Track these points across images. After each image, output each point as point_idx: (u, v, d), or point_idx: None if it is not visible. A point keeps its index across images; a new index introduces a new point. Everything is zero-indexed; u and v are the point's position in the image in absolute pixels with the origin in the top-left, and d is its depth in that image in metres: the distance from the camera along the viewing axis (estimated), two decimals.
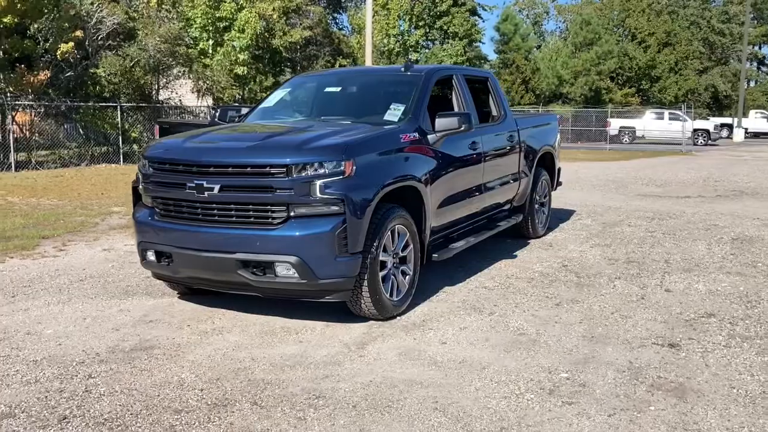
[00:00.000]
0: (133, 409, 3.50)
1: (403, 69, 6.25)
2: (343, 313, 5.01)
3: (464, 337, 4.65)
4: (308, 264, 4.51)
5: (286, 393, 3.72)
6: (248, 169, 4.62)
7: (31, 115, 21.83)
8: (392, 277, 5.11)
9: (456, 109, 6.45)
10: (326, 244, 4.51)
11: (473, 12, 37.10)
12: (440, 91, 6.70)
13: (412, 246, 5.29)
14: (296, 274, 4.54)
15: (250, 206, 4.63)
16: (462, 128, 5.60)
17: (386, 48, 32.19)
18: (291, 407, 3.54)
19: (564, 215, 10.06)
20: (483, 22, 57.59)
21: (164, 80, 24.18)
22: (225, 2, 25.16)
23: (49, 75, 20.35)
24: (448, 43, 34.65)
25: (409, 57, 33.73)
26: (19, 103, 20.15)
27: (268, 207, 4.58)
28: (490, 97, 7.32)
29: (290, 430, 3.30)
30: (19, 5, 19.01)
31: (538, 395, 3.69)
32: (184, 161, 4.85)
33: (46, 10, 20.69)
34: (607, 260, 7.04)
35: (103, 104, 21.72)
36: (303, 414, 3.46)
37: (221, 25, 25.34)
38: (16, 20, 19.07)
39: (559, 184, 9.25)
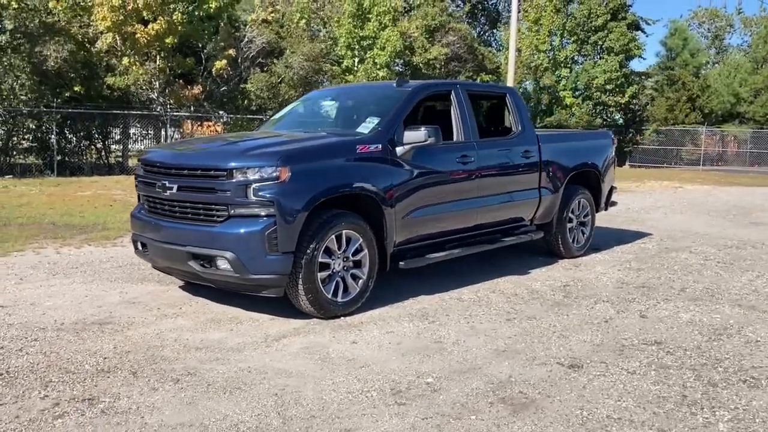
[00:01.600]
0: (36, 366, 4.18)
1: (395, 85, 6.52)
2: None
3: (379, 340, 4.85)
4: (241, 260, 4.97)
5: (168, 368, 4.20)
6: (198, 171, 5.21)
7: (191, 125, 24.36)
8: (339, 279, 5.41)
9: (454, 124, 6.58)
10: (257, 243, 4.94)
11: (634, 26, 35.38)
12: (438, 105, 6.86)
13: (366, 252, 5.55)
14: (231, 269, 5.02)
15: (200, 205, 5.20)
16: (428, 141, 5.76)
17: (534, 64, 31.75)
18: (158, 379, 4.01)
19: (630, 237, 9.63)
20: (646, 36, 54.36)
21: None
22: (369, 22, 26.39)
23: (202, 89, 22.65)
24: (602, 58, 33.38)
25: (559, 74, 33.01)
26: (178, 114, 22.65)
27: (213, 206, 5.12)
28: (506, 113, 7.32)
29: (138, 397, 3.77)
30: (179, 27, 21.37)
31: (380, 394, 3.85)
32: (158, 163, 5.55)
33: (206, 32, 22.99)
34: (618, 284, 6.75)
35: (251, 116, 23.73)
36: (160, 386, 3.92)
37: (365, 44, 26.59)
38: (175, 41, 21.44)
39: (611, 204, 8.90)
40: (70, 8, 20.89)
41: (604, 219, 11.81)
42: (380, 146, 5.69)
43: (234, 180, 5.00)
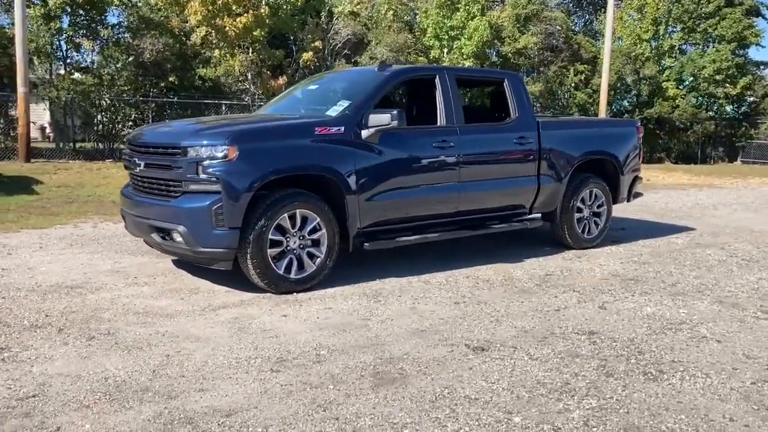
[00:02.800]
0: None
1: (377, 69, 6.59)
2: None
3: (311, 315, 4.99)
4: (191, 233, 5.28)
5: (93, 328, 4.56)
6: (160, 149, 5.57)
7: None
8: (293, 257, 5.59)
9: (438, 109, 6.57)
10: (205, 217, 5.23)
11: (753, 12, 32.87)
12: (423, 90, 6.85)
13: (324, 231, 5.70)
14: (183, 241, 5.34)
15: (161, 181, 5.56)
16: (392, 124, 5.80)
17: (634, 53, 30.28)
18: (76, 336, 4.38)
19: (667, 231, 9.21)
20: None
21: None
22: (458, 11, 26.21)
23: (287, 80, 23.43)
24: (713, 47, 31.29)
25: (663, 63, 31.32)
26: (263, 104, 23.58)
27: (170, 182, 5.46)
28: (505, 99, 7.18)
29: (45, 350, 4.14)
30: (267, 20, 22.21)
31: (264, 361, 4.02)
32: (134, 142, 5.97)
33: (295, 25, 23.75)
34: (607, 275, 6.51)
35: None
36: (72, 342, 4.28)
37: (452, 34, 26.44)
38: (263, 33, 22.29)
39: (636, 195, 8.51)
40: (169, 3, 22.22)
41: (653, 212, 11.31)
42: (342, 128, 5.80)
43: (187, 157, 5.31)
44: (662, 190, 16.75)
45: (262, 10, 22.05)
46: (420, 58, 26.13)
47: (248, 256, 5.36)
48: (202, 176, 5.25)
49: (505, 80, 7.26)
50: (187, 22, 22.84)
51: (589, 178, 7.77)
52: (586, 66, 29.00)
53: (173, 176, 5.42)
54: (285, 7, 23.12)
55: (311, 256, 5.70)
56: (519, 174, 7.10)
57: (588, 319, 5.07)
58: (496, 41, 26.77)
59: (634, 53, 30.21)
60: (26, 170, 15.54)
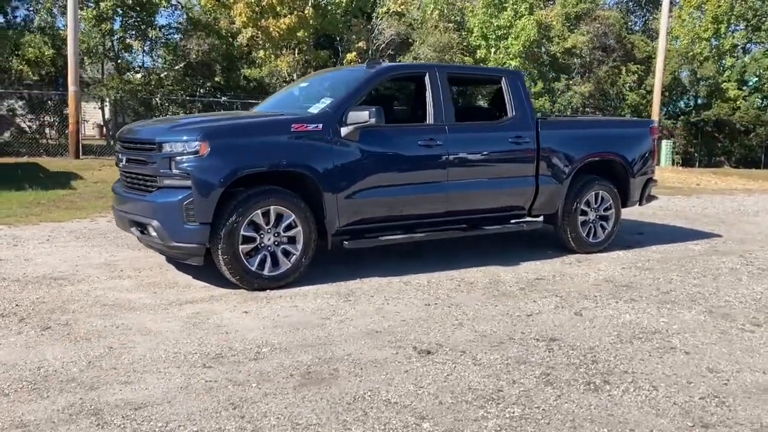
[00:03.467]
0: None
1: (366, 67, 6.53)
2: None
3: (272, 313, 4.97)
4: (164, 228, 5.35)
5: (54, 318, 4.67)
6: (138, 145, 5.66)
7: None
8: (267, 253, 5.59)
9: (429, 107, 6.47)
10: (176, 212, 5.29)
11: None
12: (414, 88, 6.76)
13: (300, 229, 5.68)
14: (157, 236, 5.41)
15: (140, 176, 5.65)
16: (371, 122, 5.73)
17: (691, 53, 29.18)
18: (33, 326, 4.49)
19: (687, 237, 8.88)
20: None
21: None
22: (506, 10, 25.85)
23: None
24: None
25: (723, 62, 30.07)
26: None
27: (147, 177, 5.55)
28: (503, 97, 7.01)
29: (10, 336, 4.26)
30: (311, 21, 22.44)
31: (200, 356, 4.02)
32: (120, 138, 6.10)
33: (340, 25, 23.92)
34: (600, 281, 6.28)
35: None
36: (26, 331, 4.39)
37: (499, 33, 26.09)
38: (307, 34, 22.54)
39: (650, 198, 8.18)
40: (216, 6, 22.72)
41: (686, 217, 10.88)
42: (321, 125, 5.77)
43: (161, 153, 5.38)
44: (708, 194, 16.12)
45: (307, 11, 22.28)
46: (466, 58, 25.89)
47: (219, 251, 5.39)
48: (175, 171, 5.31)
49: (503, 78, 7.09)
50: (234, 23, 23.30)
51: (595, 180, 7.50)
52: (639, 66, 28.15)
53: (149, 171, 5.51)
54: (331, 8, 23.28)
55: (287, 253, 5.69)
56: (514, 174, 6.91)
57: (557, 325, 4.89)
58: (544, 40, 26.23)
59: (691, 53, 29.11)
60: (72, 166, 16.14)
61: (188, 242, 5.35)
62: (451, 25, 25.66)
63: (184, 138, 5.34)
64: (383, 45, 24.68)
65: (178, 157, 5.30)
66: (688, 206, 13.04)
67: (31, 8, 21.87)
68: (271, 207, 5.55)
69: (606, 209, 7.64)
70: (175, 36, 23.10)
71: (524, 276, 6.40)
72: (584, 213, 7.46)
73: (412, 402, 3.47)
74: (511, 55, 25.41)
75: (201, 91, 22.35)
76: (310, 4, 22.63)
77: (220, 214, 5.36)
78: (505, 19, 25.77)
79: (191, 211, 5.25)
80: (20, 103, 21.19)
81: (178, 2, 22.75)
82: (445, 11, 26.00)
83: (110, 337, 4.32)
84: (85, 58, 21.27)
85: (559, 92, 27.04)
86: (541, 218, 7.38)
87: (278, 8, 22.12)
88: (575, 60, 27.73)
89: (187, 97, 22.16)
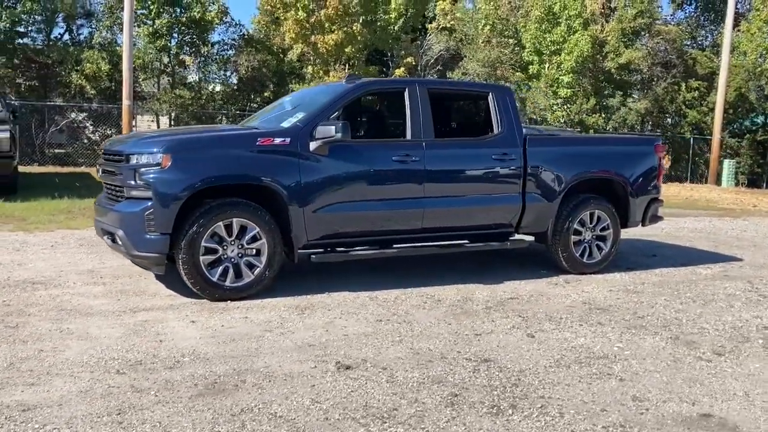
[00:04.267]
0: None
1: (345, 82, 6.57)
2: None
3: (219, 324, 5.03)
4: (127, 237, 5.51)
5: (6, 321, 4.88)
6: (110, 156, 5.87)
7: None
8: (229, 265, 5.68)
9: (407, 123, 6.44)
10: (137, 222, 5.44)
11: None
12: (393, 104, 6.73)
13: (264, 241, 5.75)
14: (122, 244, 5.59)
15: (112, 186, 5.85)
16: (337, 136, 5.75)
17: (759, 69, 27.84)
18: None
19: (700, 260, 8.48)
20: None
21: None
22: (559, 25, 25.39)
23: None
24: None
25: None
26: None
27: (117, 188, 5.74)
28: (489, 114, 6.90)
29: None
30: (359, 37, 22.72)
31: (120, 363, 4.11)
32: (103, 149, 6.33)
33: (389, 41, 24.13)
34: (579, 303, 6.06)
35: None
36: None
37: (552, 48, 25.64)
38: (355, 50, 22.82)
39: (656, 219, 7.85)
40: (268, 23, 23.32)
41: (713, 240, 10.38)
42: (288, 140, 5.83)
43: (128, 164, 5.56)
44: (759, 217, 15.30)
45: (355, 28, 22.56)
46: (517, 73, 25.57)
47: (180, 261, 5.51)
48: (139, 182, 5.47)
49: (491, 94, 6.97)
50: (285, 39, 23.83)
51: (591, 198, 7.27)
52: (701, 82, 27.08)
53: (118, 182, 5.70)
54: (380, 23, 23.50)
55: (250, 265, 5.75)
56: (498, 192, 6.77)
57: (500, 346, 4.75)
58: (598, 56, 25.61)
59: (759, 68, 27.81)
60: None
61: (149, 252, 5.48)
62: (504, 40, 25.38)
63: (149, 150, 5.51)
64: (432, 60, 24.71)
65: (143, 169, 5.46)
66: (727, 228, 12.42)
67: (93, 26, 23.01)
68: (234, 219, 5.64)
69: (603, 229, 7.38)
70: (229, 52, 23.82)
71: (499, 295, 6.25)
72: (578, 233, 7.22)
73: (297, 416, 3.44)
74: (563, 71, 24.91)
75: (252, 105, 22.90)
76: (359, 21, 22.91)
77: (181, 225, 5.47)
78: (558, 34, 25.30)
79: (152, 221, 5.39)
80: (82, 116, 22.30)
81: (232, 19, 23.51)
82: (498, 27, 25.77)
83: (47, 341, 4.47)
84: (140, 73, 22.19)
85: (614, 109, 26.29)
86: (530, 237, 7.21)
87: (326, 25, 22.49)
88: (635, 76, 26.92)
89: (238, 112, 22.76)
